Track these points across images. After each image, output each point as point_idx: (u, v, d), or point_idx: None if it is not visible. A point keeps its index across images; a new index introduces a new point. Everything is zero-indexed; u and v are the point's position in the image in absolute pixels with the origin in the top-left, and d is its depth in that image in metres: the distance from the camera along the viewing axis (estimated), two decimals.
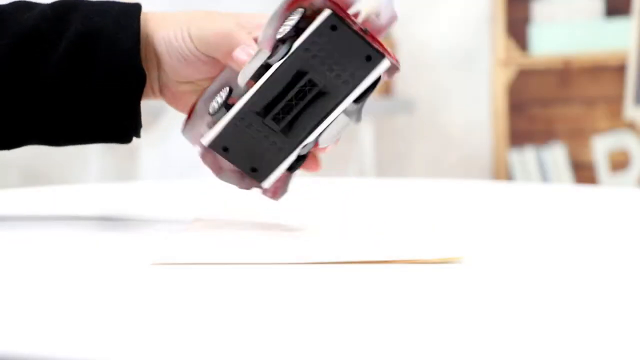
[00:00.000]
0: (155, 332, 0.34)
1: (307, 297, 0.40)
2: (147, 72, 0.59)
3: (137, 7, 0.60)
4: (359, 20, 0.54)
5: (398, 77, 2.15)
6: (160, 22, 0.59)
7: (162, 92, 0.62)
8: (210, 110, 0.56)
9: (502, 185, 1.19)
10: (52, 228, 0.63)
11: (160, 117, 2.12)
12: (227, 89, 0.56)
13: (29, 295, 0.40)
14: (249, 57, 0.55)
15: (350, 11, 0.54)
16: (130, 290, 0.42)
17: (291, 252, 0.50)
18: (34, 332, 0.33)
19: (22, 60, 0.58)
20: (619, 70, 1.98)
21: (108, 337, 0.33)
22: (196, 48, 0.58)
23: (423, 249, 0.51)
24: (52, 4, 0.59)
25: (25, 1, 0.60)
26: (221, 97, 0.56)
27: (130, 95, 0.59)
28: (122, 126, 0.60)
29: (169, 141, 2.14)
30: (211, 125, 0.56)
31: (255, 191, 0.59)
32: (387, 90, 2.07)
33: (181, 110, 0.62)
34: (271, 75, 0.53)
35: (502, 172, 2.08)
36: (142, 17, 0.59)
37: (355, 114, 0.56)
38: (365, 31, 0.54)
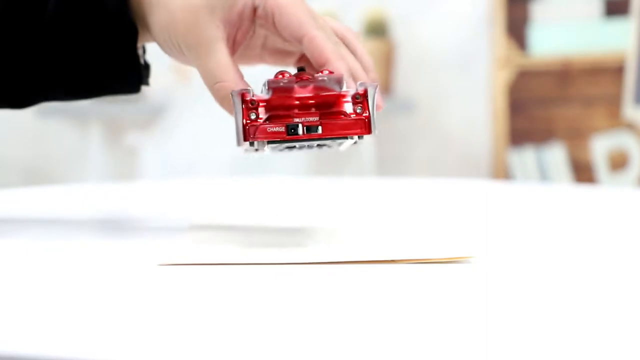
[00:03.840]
0: (162, 333, 0.34)
1: (314, 298, 0.40)
2: (147, 17, 0.57)
3: None
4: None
5: (398, 77, 2.15)
6: None
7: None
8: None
9: (501, 185, 1.19)
10: (52, 228, 0.63)
11: (160, 117, 2.11)
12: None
13: (31, 296, 0.40)
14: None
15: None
16: (133, 291, 0.42)
17: (298, 252, 0.50)
18: (36, 333, 0.33)
19: (17, 20, 0.58)
20: (618, 70, 1.98)
21: (111, 338, 0.33)
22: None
23: (433, 249, 0.51)
24: None
25: None
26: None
27: (122, 48, 0.58)
28: (124, 78, 0.59)
29: (169, 141, 2.14)
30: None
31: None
32: (387, 90, 2.07)
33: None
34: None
35: (502, 172, 2.08)
36: None
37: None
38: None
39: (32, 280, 0.43)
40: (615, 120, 1.99)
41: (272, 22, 0.55)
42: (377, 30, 2.04)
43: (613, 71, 1.99)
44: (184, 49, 0.55)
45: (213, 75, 0.54)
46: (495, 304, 0.39)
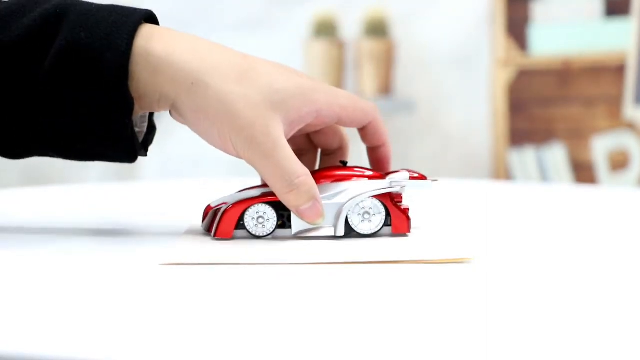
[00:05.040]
0: (162, 333, 0.34)
1: (315, 298, 0.40)
2: (173, 97, 0.53)
3: (135, 19, 0.52)
4: None
5: (398, 77, 2.15)
6: (169, 43, 0.53)
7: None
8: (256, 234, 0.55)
9: (502, 185, 1.19)
10: (52, 228, 0.63)
11: (160, 117, 2.11)
12: (274, 217, 0.55)
13: (31, 296, 0.40)
14: (318, 217, 0.54)
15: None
16: (133, 291, 0.42)
17: (298, 252, 0.50)
18: (36, 333, 0.33)
19: (9, 73, 0.53)
20: (619, 70, 1.98)
21: (111, 338, 0.33)
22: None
23: (432, 250, 0.51)
24: (45, 10, 0.53)
25: (23, 3, 0.54)
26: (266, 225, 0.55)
27: (116, 121, 0.52)
28: (117, 148, 0.54)
29: (169, 141, 2.14)
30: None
31: None
32: (387, 90, 2.07)
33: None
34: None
35: (502, 172, 2.08)
36: (143, 31, 0.53)
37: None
38: None
39: (32, 281, 0.43)
40: (615, 120, 1.98)
41: (333, 122, 0.57)
42: (377, 30, 2.04)
43: (613, 71, 1.98)
44: (240, 144, 0.53)
45: (289, 170, 0.53)
46: (495, 304, 0.38)
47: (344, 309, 0.37)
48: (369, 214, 0.55)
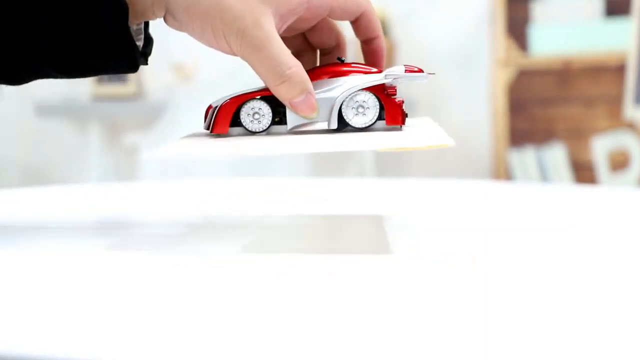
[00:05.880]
0: (162, 333, 0.34)
1: (314, 297, 0.40)
2: None
3: None
4: None
5: None
6: None
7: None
8: (252, 129, 0.55)
9: (502, 185, 1.19)
10: (51, 228, 0.63)
11: (160, 117, 2.11)
12: (269, 113, 0.55)
13: (31, 296, 0.40)
14: (311, 111, 0.54)
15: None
16: (133, 291, 0.42)
17: (291, 144, 0.52)
18: (36, 333, 0.33)
19: None
20: (619, 70, 1.98)
21: (111, 337, 0.33)
22: None
23: (412, 138, 0.52)
24: None
25: None
26: (261, 120, 0.55)
27: (110, 28, 0.54)
28: (116, 57, 0.55)
29: (169, 141, 2.13)
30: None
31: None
32: None
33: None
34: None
35: (502, 172, 2.08)
36: None
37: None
38: None
39: (32, 281, 0.43)
40: (615, 120, 1.98)
41: (325, 12, 0.56)
42: None
43: (614, 71, 1.98)
44: (232, 38, 0.53)
45: (281, 61, 0.53)
46: (495, 304, 0.38)
47: (343, 309, 0.37)
48: (362, 107, 0.55)
